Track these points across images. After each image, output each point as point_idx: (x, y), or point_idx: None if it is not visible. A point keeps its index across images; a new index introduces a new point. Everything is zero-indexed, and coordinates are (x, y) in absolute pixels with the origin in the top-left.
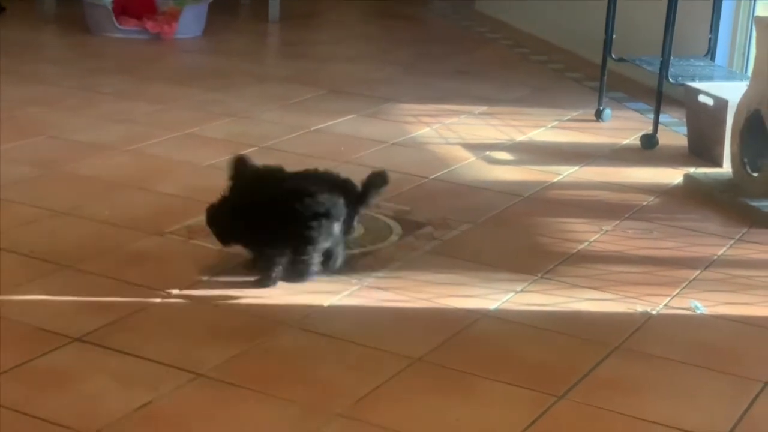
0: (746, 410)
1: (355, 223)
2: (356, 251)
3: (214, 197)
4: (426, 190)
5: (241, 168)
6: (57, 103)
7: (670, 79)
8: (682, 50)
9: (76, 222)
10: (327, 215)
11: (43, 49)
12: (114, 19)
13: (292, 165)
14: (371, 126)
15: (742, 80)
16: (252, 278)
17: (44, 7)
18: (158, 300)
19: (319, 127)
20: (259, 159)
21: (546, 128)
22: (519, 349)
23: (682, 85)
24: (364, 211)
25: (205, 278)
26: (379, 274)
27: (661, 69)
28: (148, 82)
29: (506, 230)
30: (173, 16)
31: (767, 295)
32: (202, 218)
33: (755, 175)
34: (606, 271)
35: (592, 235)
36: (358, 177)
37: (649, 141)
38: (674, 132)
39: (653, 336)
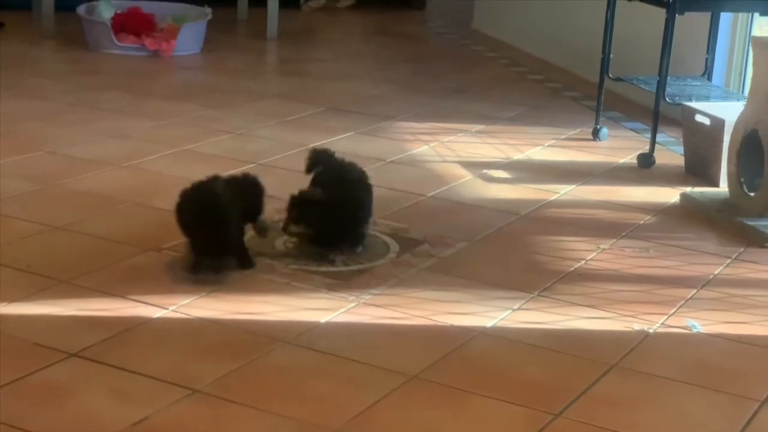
0: (743, 429)
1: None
2: (353, 268)
3: None
4: (423, 207)
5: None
6: (55, 118)
7: (667, 99)
8: (679, 70)
9: (73, 237)
10: None
11: (41, 65)
12: (113, 35)
13: (288, 183)
14: (369, 143)
15: (738, 100)
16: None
17: (43, 24)
18: (155, 316)
19: (316, 144)
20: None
21: (543, 147)
22: (515, 367)
23: (679, 104)
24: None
25: (201, 294)
26: (376, 291)
27: (658, 89)
28: (146, 98)
29: (503, 248)
30: (172, 34)
31: (764, 315)
32: None
33: (752, 194)
34: (603, 290)
35: (588, 253)
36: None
37: (645, 160)
38: (671, 151)
39: (650, 354)
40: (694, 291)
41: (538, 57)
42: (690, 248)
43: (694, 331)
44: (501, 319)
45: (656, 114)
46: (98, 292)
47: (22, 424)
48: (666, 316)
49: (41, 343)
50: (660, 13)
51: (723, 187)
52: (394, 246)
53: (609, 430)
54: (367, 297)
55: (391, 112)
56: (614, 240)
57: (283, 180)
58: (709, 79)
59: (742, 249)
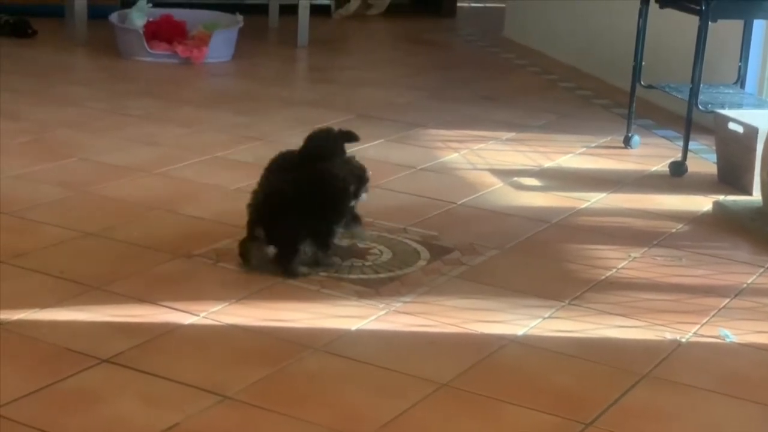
0: None
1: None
2: (384, 276)
3: (242, 220)
4: (454, 215)
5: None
6: (87, 125)
7: (700, 107)
8: (712, 78)
9: (105, 243)
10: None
11: (73, 72)
12: (145, 43)
13: None
14: (399, 151)
15: None
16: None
17: (75, 31)
18: (186, 322)
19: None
20: None
21: (574, 155)
22: (546, 376)
23: (712, 112)
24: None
25: (232, 301)
26: (406, 298)
27: (690, 96)
28: (178, 105)
29: (534, 256)
30: (203, 41)
31: None
32: (230, 241)
33: None
34: (634, 298)
35: (620, 261)
36: (387, 202)
37: (678, 168)
38: (703, 159)
39: (682, 364)
40: (727, 300)
41: (569, 65)
42: (723, 257)
43: (727, 340)
44: (531, 328)
45: (689, 122)
46: (130, 299)
47: (54, 429)
48: (698, 326)
49: (73, 349)
50: (693, 21)
51: (756, 196)
52: (425, 253)
53: None
54: (397, 304)
55: (421, 119)
56: (646, 249)
57: None
58: (742, 87)
59: None
